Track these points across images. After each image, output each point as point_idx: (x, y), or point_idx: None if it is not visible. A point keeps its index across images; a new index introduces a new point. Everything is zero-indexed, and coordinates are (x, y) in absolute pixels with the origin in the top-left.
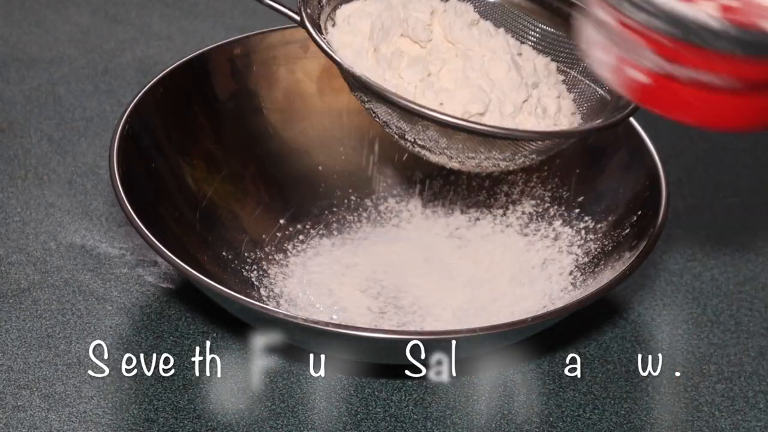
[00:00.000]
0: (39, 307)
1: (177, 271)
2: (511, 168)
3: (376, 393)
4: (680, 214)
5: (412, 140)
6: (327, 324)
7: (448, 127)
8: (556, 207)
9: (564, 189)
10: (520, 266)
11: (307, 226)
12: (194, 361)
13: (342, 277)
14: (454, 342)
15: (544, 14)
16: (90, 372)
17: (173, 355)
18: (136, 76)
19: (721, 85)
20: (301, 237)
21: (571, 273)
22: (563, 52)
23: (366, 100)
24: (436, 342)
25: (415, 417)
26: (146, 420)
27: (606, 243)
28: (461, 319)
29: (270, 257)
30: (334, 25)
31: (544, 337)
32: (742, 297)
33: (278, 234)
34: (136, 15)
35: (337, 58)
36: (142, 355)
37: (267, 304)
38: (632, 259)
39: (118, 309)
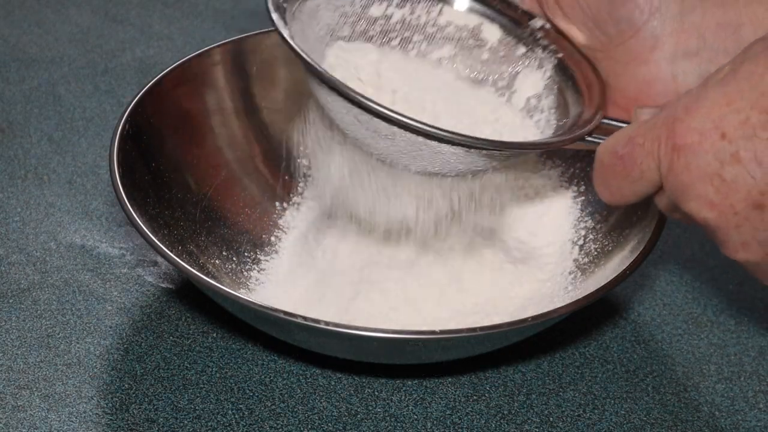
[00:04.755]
0: (39, 307)
1: (177, 270)
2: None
3: (376, 393)
4: None
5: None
6: (327, 324)
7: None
8: (556, 207)
9: (565, 189)
10: (520, 266)
11: (308, 226)
12: (194, 361)
13: (343, 276)
14: (454, 342)
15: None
16: (90, 372)
17: (173, 355)
18: (136, 76)
19: None
20: (301, 237)
21: (571, 273)
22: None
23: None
24: (436, 342)
25: (415, 417)
26: (146, 420)
27: (606, 243)
28: (461, 318)
29: (270, 257)
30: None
31: (544, 337)
32: (742, 297)
33: (278, 234)
34: (136, 15)
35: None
36: (142, 355)
37: (267, 304)
38: (632, 259)
39: (118, 309)
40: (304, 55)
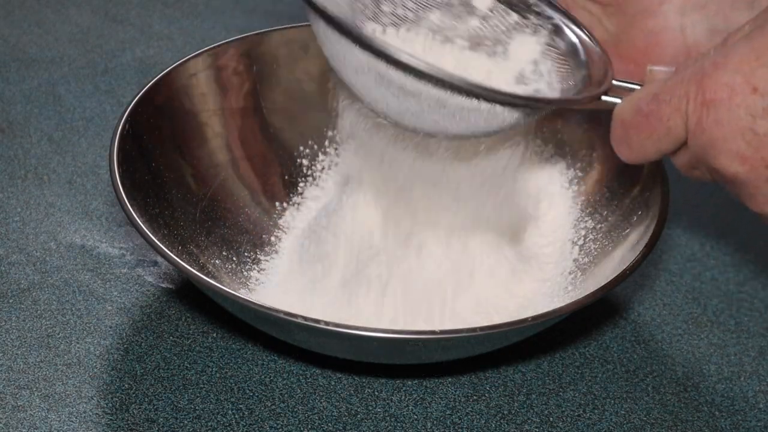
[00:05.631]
0: (39, 307)
1: (177, 270)
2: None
3: (376, 393)
4: (680, 214)
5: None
6: (327, 324)
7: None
8: (556, 207)
9: (565, 189)
10: (520, 266)
11: (308, 226)
12: (194, 361)
13: (343, 276)
14: (454, 342)
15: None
16: (90, 372)
17: (173, 355)
18: (136, 76)
19: None
20: (301, 237)
21: (571, 273)
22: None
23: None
24: (436, 342)
25: (415, 417)
26: (146, 420)
27: (606, 243)
28: (461, 318)
29: (270, 257)
30: None
31: (544, 337)
32: (742, 297)
33: (278, 234)
34: (136, 15)
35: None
36: (142, 355)
37: (267, 304)
38: (632, 259)
39: (118, 309)
40: (323, 6)
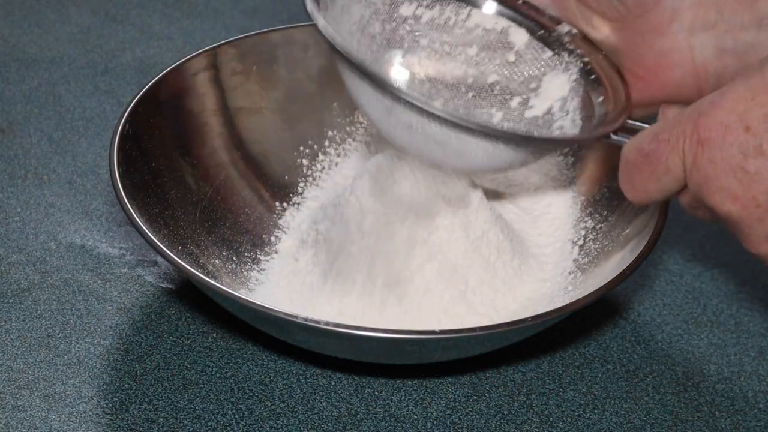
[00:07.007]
0: (39, 307)
1: (177, 270)
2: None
3: (376, 393)
4: (680, 214)
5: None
6: (327, 324)
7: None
8: (556, 207)
9: (565, 189)
10: (521, 266)
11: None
12: (194, 361)
13: (343, 276)
14: (454, 342)
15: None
16: (90, 372)
17: (173, 355)
18: (136, 76)
19: None
20: (301, 237)
21: (571, 273)
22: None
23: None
24: (436, 342)
25: (415, 417)
26: (146, 420)
27: (606, 243)
28: (461, 318)
29: (270, 257)
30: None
31: (544, 337)
32: (742, 297)
33: (278, 234)
34: (136, 15)
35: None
36: (142, 355)
37: (267, 304)
38: (632, 259)
39: (118, 309)
40: (366, 67)
